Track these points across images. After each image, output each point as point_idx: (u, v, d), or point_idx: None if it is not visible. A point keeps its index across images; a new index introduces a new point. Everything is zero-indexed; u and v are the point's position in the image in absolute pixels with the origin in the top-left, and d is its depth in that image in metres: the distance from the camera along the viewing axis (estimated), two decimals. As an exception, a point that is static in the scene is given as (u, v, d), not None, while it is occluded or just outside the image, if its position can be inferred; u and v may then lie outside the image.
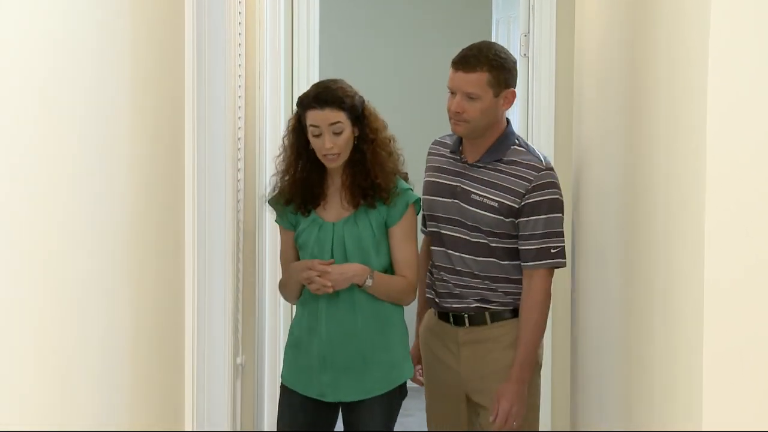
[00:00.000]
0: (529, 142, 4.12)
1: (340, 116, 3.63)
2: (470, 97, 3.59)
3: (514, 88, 3.67)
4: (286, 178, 3.76)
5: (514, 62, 3.69)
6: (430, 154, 3.88)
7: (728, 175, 1.81)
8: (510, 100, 3.66)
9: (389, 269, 3.76)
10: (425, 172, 3.86)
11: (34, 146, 1.30)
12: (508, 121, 3.72)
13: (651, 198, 2.42)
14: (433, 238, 3.80)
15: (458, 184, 3.72)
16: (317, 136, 3.64)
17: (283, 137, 3.79)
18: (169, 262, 2.24)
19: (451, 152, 3.78)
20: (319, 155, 3.67)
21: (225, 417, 3.26)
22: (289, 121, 3.79)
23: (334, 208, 3.75)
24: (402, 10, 7.15)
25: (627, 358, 2.77)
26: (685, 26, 2.04)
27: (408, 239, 3.75)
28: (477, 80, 3.59)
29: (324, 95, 3.66)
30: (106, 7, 1.68)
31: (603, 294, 3.21)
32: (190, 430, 2.41)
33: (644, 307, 2.49)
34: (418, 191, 3.81)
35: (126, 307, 1.81)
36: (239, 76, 3.48)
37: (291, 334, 3.83)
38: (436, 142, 3.89)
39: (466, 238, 3.69)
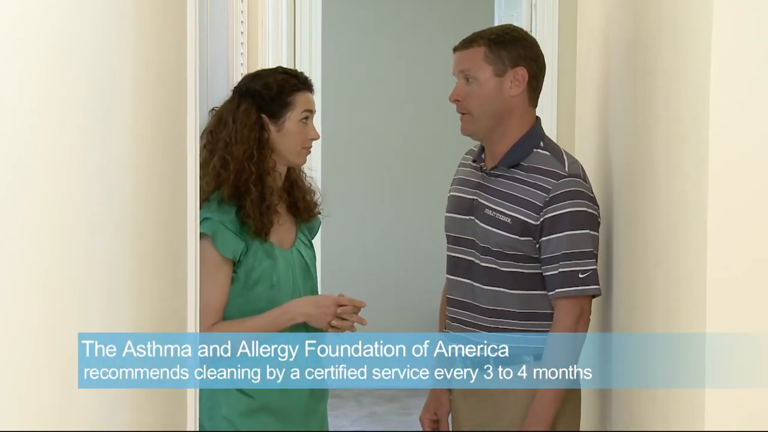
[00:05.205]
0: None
1: None
2: (467, 78, 3.01)
3: (528, 67, 3.01)
4: (251, 184, 2.94)
5: (529, 42, 3.05)
6: (459, 165, 3.22)
7: (731, 173, 1.81)
8: (521, 82, 2.99)
9: None
10: (450, 185, 3.21)
11: (34, 144, 1.30)
12: (537, 119, 3.07)
13: (653, 196, 2.42)
14: (447, 265, 3.13)
15: (475, 197, 3.06)
16: (305, 121, 3.03)
17: (233, 133, 2.97)
18: (171, 262, 2.24)
19: (474, 160, 3.13)
20: (296, 149, 3.02)
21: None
22: (236, 110, 3.00)
23: (280, 229, 3.05)
24: (403, 11, 7.15)
25: (628, 357, 2.76)
26: (687, 25, 2.04)
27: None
28: (471, 55, 3.01)
29: (308, 78, 3.09)
30: (108, 8, 1.67)
31: (605, 292, 3.20)
32: (192, 430, 2.41)
33: (646, 306, 2.48)
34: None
35: (127, 306, 1.81)
36: (242, 75, 3.48)
37: (250, 396, 2.93)
38: (468, 152, 3.22)
39: (477, 263, 3.03)
